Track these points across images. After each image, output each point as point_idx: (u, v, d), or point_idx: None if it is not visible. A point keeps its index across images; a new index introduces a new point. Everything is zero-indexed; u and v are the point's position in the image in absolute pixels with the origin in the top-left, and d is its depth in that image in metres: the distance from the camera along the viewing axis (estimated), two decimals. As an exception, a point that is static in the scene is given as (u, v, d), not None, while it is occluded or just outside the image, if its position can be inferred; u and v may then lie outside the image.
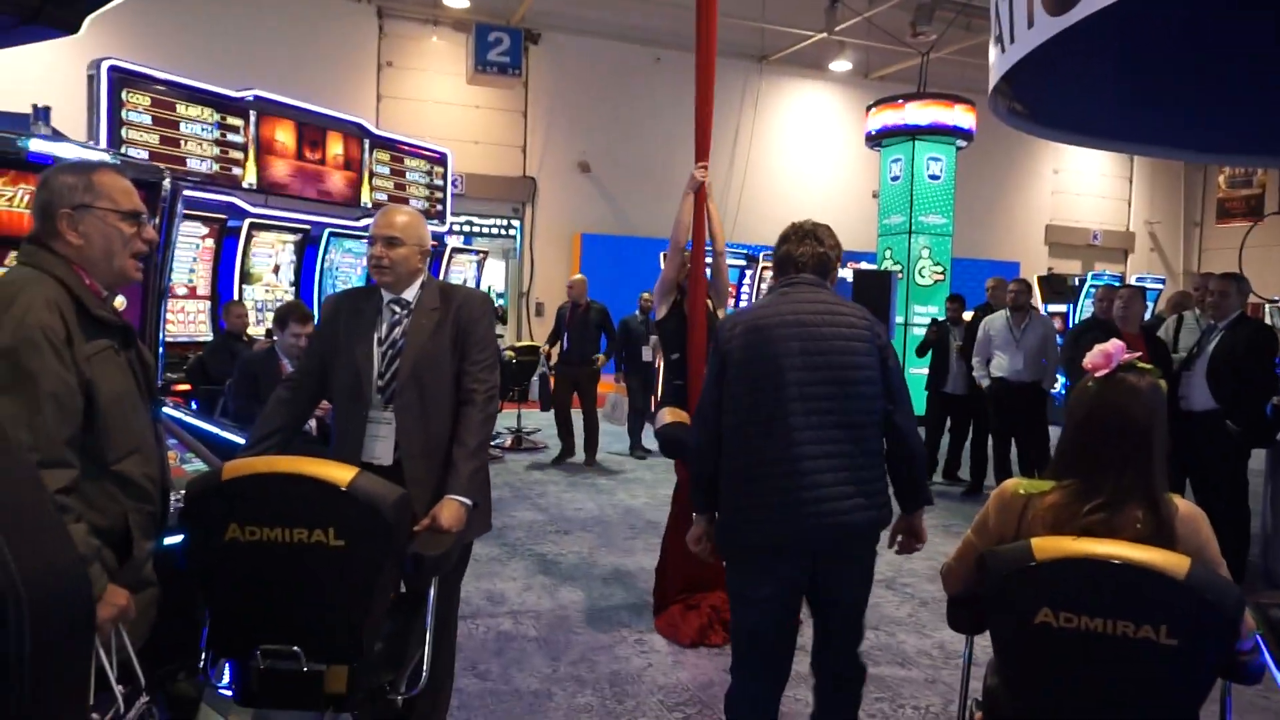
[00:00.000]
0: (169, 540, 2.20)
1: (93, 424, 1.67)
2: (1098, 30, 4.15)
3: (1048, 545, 1.75)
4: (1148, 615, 1.66)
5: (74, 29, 2.56)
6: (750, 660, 2.37)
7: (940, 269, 10.20)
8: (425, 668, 2.14)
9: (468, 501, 2.31)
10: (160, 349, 3.02)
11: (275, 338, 4.77)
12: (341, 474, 1.89)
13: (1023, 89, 5.50)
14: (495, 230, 14.80)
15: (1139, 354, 1.86)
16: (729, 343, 2.33)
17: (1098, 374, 1.85)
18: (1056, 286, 11.24)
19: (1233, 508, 4.65)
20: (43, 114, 2.57)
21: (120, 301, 2.87)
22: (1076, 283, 11.58)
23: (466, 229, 14.41)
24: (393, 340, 2.46)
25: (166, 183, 2.83)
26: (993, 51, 5.28)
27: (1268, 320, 11.48)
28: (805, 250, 2.39)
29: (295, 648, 1.90)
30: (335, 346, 2.48)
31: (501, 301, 14.91)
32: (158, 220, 2.85)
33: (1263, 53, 4.68)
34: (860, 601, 2.41)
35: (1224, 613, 1.65)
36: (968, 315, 7.06)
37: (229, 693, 2.16)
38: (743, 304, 9.21)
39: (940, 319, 7.40)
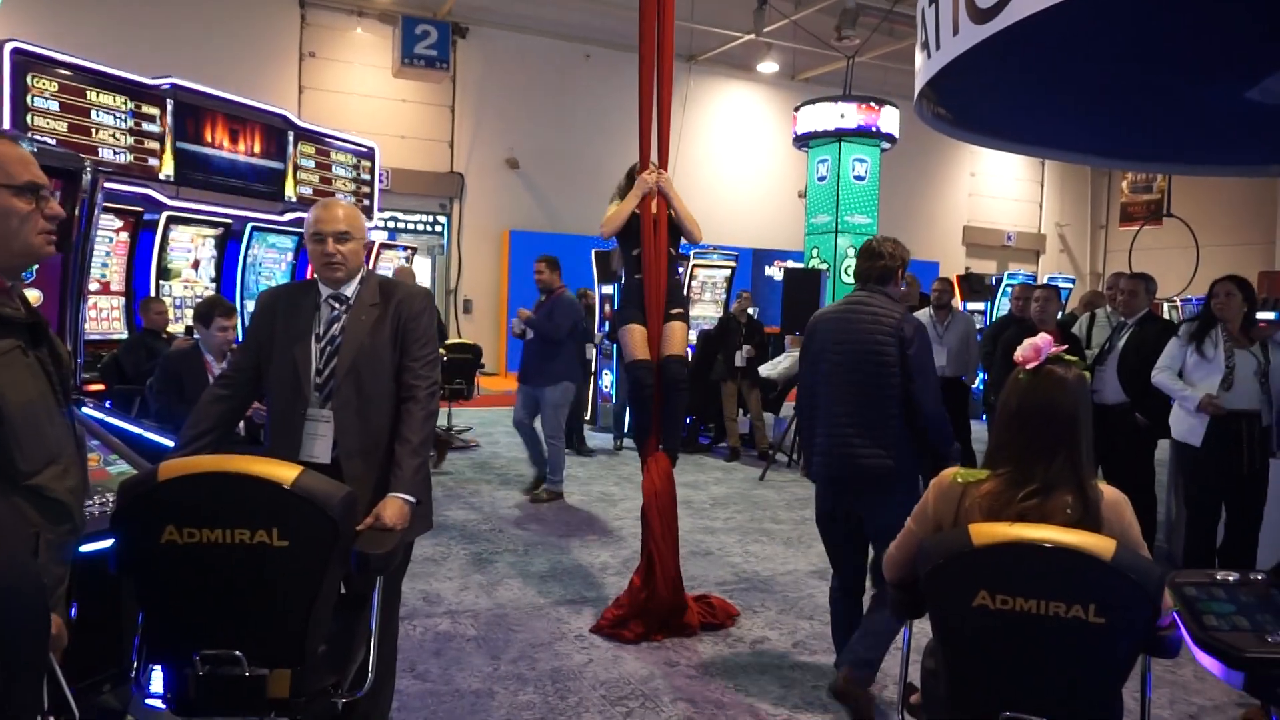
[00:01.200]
0: (95, 545, 2.12)
1: None
2: (1018, 39, 4.32)
3: (984, 531, 1.83)
4: (1077, 595, 1.74)
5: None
6: (831, 559, 3.25)
7: (865, 268, 10.46)
8: (370, 669, 2.11)
9: (412, 499, 2.29)
10: (79, 349, 2.89)
11: (198, 335, 4.61)
12: (285, 472, 1.84)
13: (946, 94, 5.68)
14: (422, 226, 14.57)
15: (1064, 347, 1.96)
16: (807, 331, 3.24)
17: (1028, 367, 1.94)
18: (975, 285, 11.64)
19: (1140, 495, 4.90)
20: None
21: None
22: (993, 282, 12.01)
23: (393, 225, 14.15)
24: (331, 337, 2.42)
25: (87, 172, 2.70)
26: (919, 57, 5.44)
27: (1167, 317, 12.11)
28: (868, 265, 3.15)
29: (237, 652, 1.85)
30: (271, 343, 2.43)
31: (429, 299, 14.64)
32: (77, 213, 2.73)
33: (1160, 66, 4.95)
34: (884, 530, 2.64)
35: (1147, 591, 1.74)
36: None
37: (158, 703, 2.08)
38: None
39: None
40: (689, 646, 3.62)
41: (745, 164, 16.43)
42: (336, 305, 2.45)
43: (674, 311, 3.93)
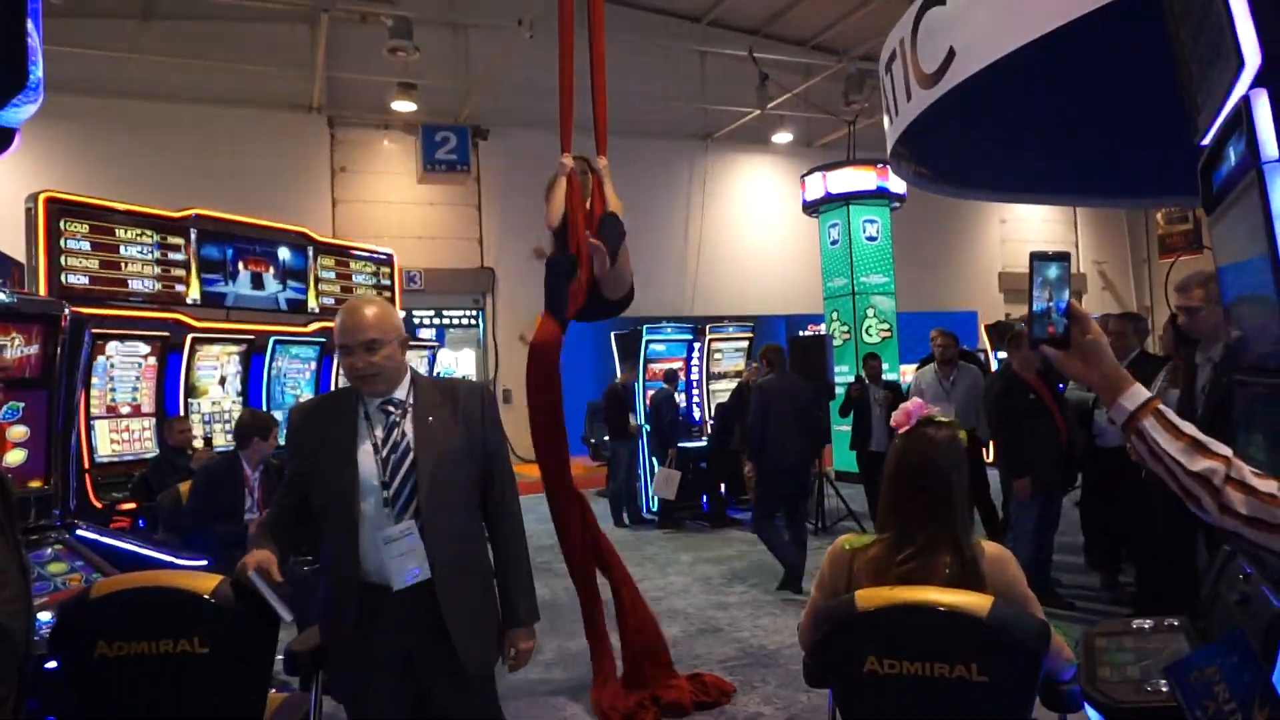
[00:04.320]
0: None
1: None
2: (973, 95, 4.43)
3: (868, 596, 1.86)
4: (958, 655, 1.76)
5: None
6: (766, 507, 5.92)
7: (887, 326, 10.45)
8: (309, 766, 2.19)
9: (537, 620, 2.30)
10: (69, 473, 3.10)
11: (234, 447, 4.67)
12: (204, 583, 1.98)
13: (921, 152, 5.80)
14: (463, 320, 15.03)
15: (936, 410, 2.01)
16: (763, 394, 5.91)
17: (900, 430, 2.00)
18: (1004, 333, 11.47)
19: (1144, 534, 4.77)
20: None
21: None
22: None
23: (438, 322, 14.68)
24: (394, 444, 2.16)
25: (65, 314, 2.96)
26: (885, 121, 5.60)
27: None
28: (779, 359, 6.19)
29: (169, 761, 1.96)
30: (315, 464, 2.20)
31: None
32: (59, 350, 2.98)
33: (1134, 100, 4.98)
34: (809, 492, 6.64)
35: (1025, 647, 1.75)
36: (908, 368, 7.26)
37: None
38: (693, 375, 9.39)
39: (860, 376, 7.61)
40: (679, 727, 3.61)
41: (768, 233, 16.64)
42: (393, 410, 2.19)
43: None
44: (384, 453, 2.16)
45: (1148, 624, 2.05)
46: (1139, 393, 1.37)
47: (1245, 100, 1.65)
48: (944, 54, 4.33)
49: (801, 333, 15.88)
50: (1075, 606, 4.89)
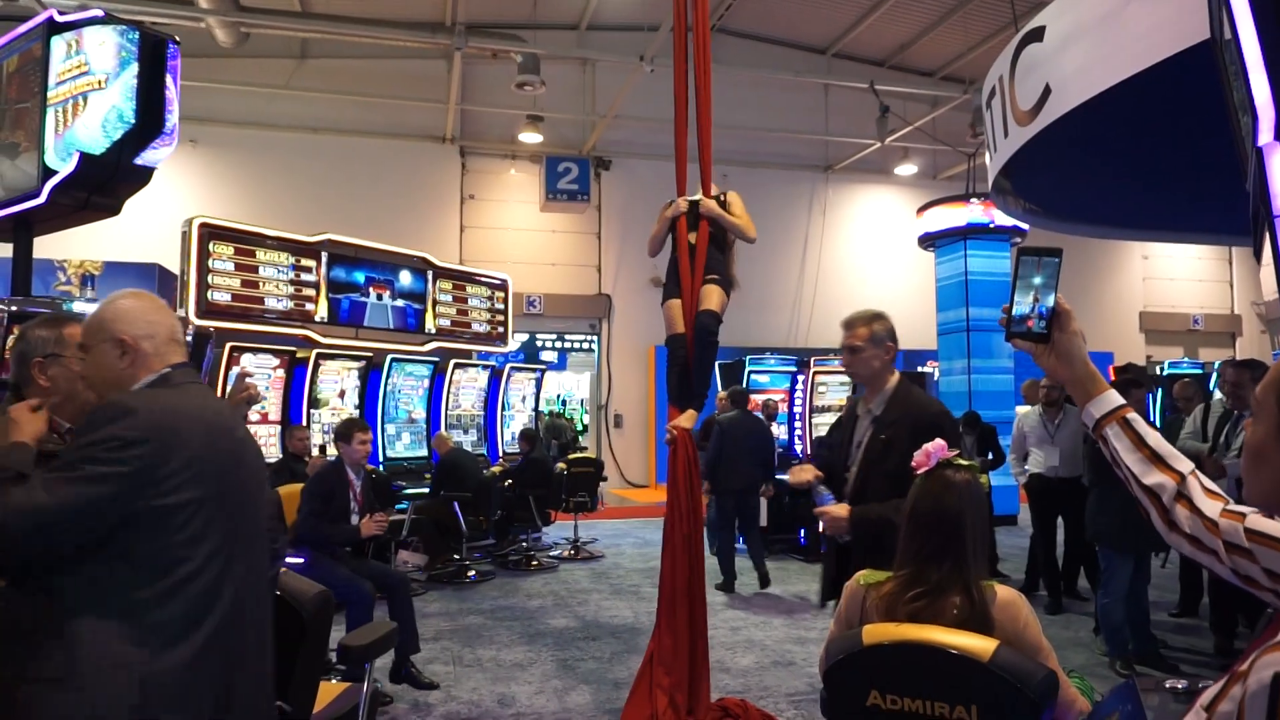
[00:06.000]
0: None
1: None
2: (1071, 132, 4.32)
3: (874, 631, 1.90)
4: (959, 696, 1.78)
5: (116, 212, 3.12)
6: (722, 522, 7.06)
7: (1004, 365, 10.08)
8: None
9: None
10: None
11: (337, 453, 5.04)
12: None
13: (1022, 189, 5.66)
14: (582, 345, 15.48)
15: (956, 452, 2.02)
16: (721, 428, 7.13)
17: (920, 471, 2.02)
18: (1133, 376, 10.84)
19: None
20: (90, 280, 3.12)
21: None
22: (1159, 371, 11.16)
23: (560, 346, 15.20)
24: None
25: (189, 330, 3.34)
26: (987, 156, 5.50)
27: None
28: (741, 398, 7.45)
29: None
30: None
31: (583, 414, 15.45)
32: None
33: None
34: (757, 513, 7.31)
35: (1026, 695, 1.74)
36: (1024, 409, 7.02)
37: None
38: (796, 407, 9.34)
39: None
40: (733, 755, 3.64)
41: (887, 265, 16.33)
42: None
43: (710, 277, 3.97)
44: None
45: (1180, 684, 1.97)
46: (1110, 399, 1.37)
47: (1259, 152, 1.64)
48: (1040, 90, 4.24)
49: (920, 368, 15.52)
50: (1179, 670, 4.60)
